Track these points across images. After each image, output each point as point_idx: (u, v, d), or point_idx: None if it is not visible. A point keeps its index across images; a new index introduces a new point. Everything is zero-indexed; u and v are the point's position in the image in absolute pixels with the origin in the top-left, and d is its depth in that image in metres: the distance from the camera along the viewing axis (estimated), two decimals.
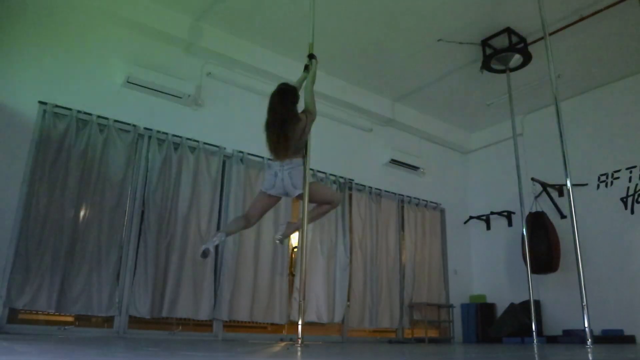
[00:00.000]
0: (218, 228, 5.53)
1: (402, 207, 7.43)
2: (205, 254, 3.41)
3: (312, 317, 5.93)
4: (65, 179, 4.67)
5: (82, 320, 4.75)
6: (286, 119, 3.33)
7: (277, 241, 3.94)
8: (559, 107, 4.24)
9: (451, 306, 7.35)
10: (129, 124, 5.16)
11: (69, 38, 5.02)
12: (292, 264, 6.16)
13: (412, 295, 7.02)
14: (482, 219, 7.98)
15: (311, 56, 3.72)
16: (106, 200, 4.87)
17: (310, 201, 3.42)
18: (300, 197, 3.39)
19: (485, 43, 5.92)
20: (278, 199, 3.60)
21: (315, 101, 3.60)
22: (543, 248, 6.41)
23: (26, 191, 4.47)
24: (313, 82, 3.66)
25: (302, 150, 3.47)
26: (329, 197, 3.70)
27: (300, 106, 3.55)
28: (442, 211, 7.98)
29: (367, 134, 7.28)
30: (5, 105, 4.56)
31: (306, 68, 3.74)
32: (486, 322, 7.14)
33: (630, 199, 6.28)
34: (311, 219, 3.66)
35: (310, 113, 3.52)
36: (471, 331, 7.25)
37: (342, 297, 6.26)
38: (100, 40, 5.20)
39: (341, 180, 6.63)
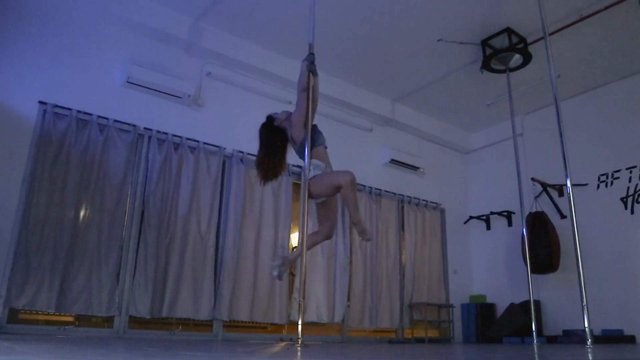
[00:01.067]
0: (218, 228, 5.54)
1: (402, 207, 7.43)
2: (280, 277, 3.57)
3: (312, 317, 5.93)
4: (65, 179, 4.68)
5: (82, 320, 4.75)
6: (263, 140, 3.52)
7: (365, 241, 3.66)
8: (559, 107, 4.24)
9: (451, 306, 7.35)
10: (129, 124, 5.16)
11: (68, 38, 5.02)
12: (292, 264, 6.15)
13: (412, 295, 7.02)
14: (482, 219, 7.98)
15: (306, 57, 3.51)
16: (106, 200, 4.87)
17: (324, 195, 3.40)
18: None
19: (485, 43, 5.92)
20: (326, 202, 3.51)
21: (298, 102, 3.45)
22: (543, 248, 6.42)
23: (26, 191, 4.47)
24: (300, 83, 3.47)
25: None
26: (334, 182, 3.31)
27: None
28: (442, 211, 7.98)
29: (367, 134, 7.28)
30: (5, 105, 4.57)
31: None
32: (486, 322, 7.14)
33: (630, 199, 6.28)
34: (353, 214, 3.45)
35: (289, 116, 3.51)
36: (471, 331, 7.24)
37: (342, 297, 6.26)
38: (100, 40, 5.21)
39: None
